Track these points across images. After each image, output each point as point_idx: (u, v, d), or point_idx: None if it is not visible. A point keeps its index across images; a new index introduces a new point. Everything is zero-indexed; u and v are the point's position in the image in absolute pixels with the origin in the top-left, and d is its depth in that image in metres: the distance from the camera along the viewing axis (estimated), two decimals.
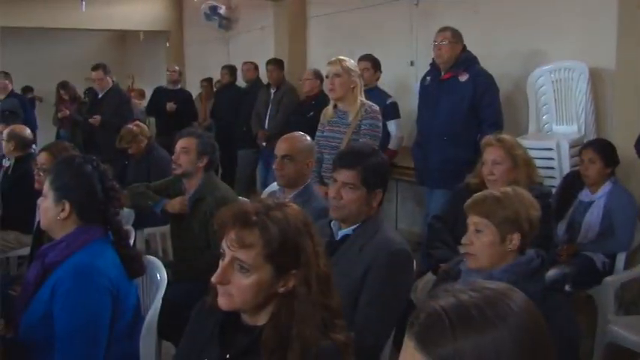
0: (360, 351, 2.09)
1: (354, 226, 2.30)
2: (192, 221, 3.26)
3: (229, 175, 7.05)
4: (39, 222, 2.35)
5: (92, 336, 2.00)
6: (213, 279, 1.44)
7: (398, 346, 2.34)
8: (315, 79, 5.95)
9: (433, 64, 4.44)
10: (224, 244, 1.44)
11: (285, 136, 3.12)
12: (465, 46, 4.30)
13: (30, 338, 2.06)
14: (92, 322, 2.00)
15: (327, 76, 3.84)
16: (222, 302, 1.45)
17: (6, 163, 4.71)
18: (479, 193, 2.15)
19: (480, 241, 2.03)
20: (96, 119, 6.51)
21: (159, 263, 2.48)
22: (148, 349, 2.24)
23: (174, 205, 3.32)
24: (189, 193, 3.31)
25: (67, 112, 8.18)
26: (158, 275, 2.43)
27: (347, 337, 1.47)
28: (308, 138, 3.14)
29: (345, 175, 2.28)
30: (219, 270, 1.44)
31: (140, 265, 2.24)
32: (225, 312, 1.49)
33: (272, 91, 6.62)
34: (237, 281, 1.42)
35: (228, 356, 1.48)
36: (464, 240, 2.09)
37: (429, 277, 2.92)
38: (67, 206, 2.08)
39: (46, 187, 2.11)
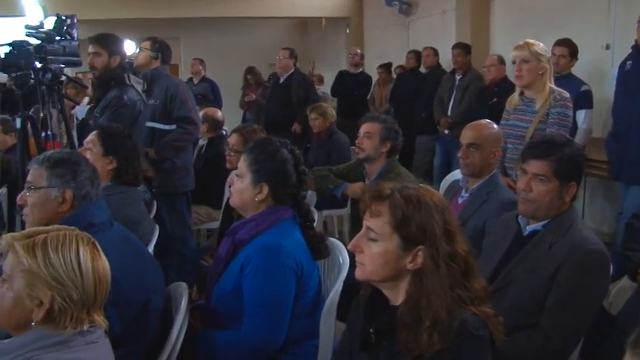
0: (546, 355, 1.99)
1: (544, 222, 2.16)
2: None
3: (406, 161, 7.00)
4: (228, 198, 2.49)
5: (277, 311, 2.10)
6: (349, 247, 1.59)
7: (585, 357, 2.17)
8: (499, 64, 5.71)
9: (635, 47, 4.05)
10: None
11: (471, 123, 3.01)
12: None
13: (221, 307, 2.21)
14: (277, 299, 2.09)
15: (513, 62, 3.61)
16: (357, 273, 1.57)
17: (200, 142, 5.08)
18: None
19: None
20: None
21: (341, 246, 2.49)
22: (328, 328, 2.27)
23: (355, 189, 3.35)
24: (371, 178, 3.32)
25: (253, 96, 8.64)
26: (340, 258, 2.44)
27: (493, 313, 1.48)
28: (495, 126, 3.00)
29: (536, 167, 2.15)
30: (354, 239, 1.57)
31: (325, 247, 2.29)
32: (372, 295, 1.61)
33: (457, 77, 6.36)
34: (368, 250, 1.54)
35: (371, 330, 1.57)
36: None
37: (625, 282, 2.66)
38: (265, 188, 2.17)
39: (244, 169, 2.19)
